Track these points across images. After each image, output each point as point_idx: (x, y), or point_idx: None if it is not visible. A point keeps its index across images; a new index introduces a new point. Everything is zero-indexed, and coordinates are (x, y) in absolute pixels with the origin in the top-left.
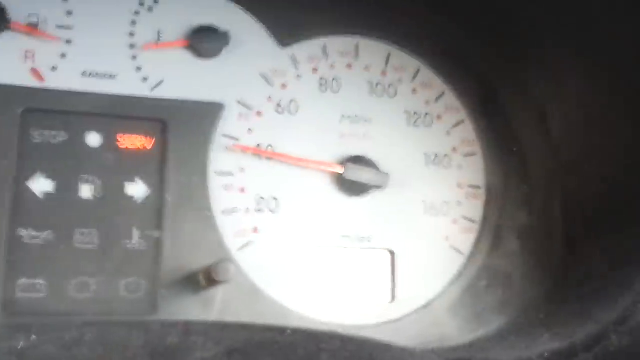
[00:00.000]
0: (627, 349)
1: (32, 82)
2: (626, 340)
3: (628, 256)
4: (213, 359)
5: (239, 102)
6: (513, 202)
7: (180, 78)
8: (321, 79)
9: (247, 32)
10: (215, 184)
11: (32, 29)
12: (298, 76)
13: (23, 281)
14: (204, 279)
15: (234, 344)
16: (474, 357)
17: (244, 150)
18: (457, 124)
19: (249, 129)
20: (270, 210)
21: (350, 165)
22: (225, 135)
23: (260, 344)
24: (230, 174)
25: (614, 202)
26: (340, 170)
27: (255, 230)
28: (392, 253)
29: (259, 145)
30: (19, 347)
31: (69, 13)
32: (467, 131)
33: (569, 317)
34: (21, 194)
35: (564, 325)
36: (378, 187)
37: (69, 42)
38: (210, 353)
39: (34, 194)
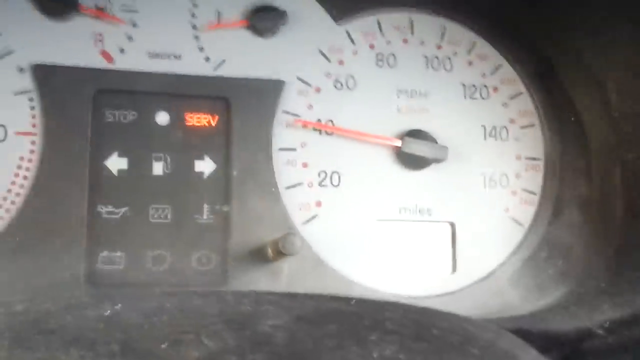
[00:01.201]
0: None
1: (102, 63)
2: None
3: None
4: (283, 326)
5: (298, 79)
6: (572, 173)
7: (241, 57)
8: (378, 54)
9: (304, 9)
10: (279, 160)
11: (100, 12)
12: (355, 52)
13: (104, 254)
14: (271, 252)
15: (302, 312)
16: (533, 327)
17: (305, 125)
18: (514, 96)
19: (309, 105)
20: (333, 184)
21: (408, 139)
22: (286, 112)
23: (327, 313)
24: (292, 149)
25: None
26: (398, 143)
27: (319, 204)
28: (452, 225)
29: (319, 120)
30: (105, 315)
31: None
32: (525, 103)
33: (629, 287)
34: (98, 172)
35: (624, 295)
36: (437, 160)
37: (134, 24)
38: (280, 321)
39: (109, 172)
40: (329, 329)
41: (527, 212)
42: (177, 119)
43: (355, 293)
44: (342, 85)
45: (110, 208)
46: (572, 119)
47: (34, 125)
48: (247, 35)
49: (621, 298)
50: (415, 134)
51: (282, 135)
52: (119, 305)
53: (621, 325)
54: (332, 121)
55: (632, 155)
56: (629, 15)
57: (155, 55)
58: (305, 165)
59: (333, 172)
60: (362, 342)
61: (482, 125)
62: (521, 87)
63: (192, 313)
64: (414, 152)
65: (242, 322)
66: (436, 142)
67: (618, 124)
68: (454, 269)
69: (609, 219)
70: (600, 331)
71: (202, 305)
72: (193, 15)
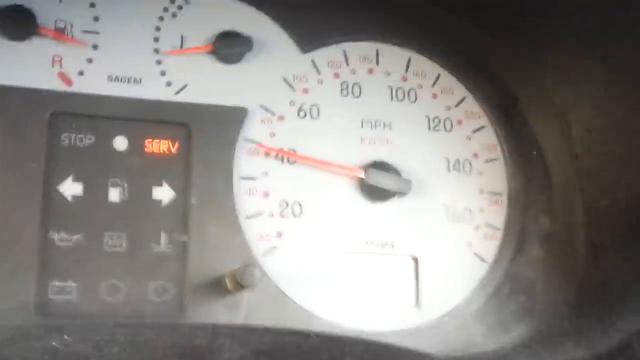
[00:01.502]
0: None
1: (59, 86)
2: None
3: None
4: None
5: (261, 107)
6: (535, 208)
7: (203, 83)
8: (342, 83)
9: (269, 37)
10: (240, 188)
11: (60, 34)
12: (319, 81)
13: (55, 283)
14: (230, 283)
15: (259, 346)
16: None
17: (268, 152)
18: (478, 129)
19: (272, 133)
20: (294, 215)
21: (371, 170)
22: (248, 140)
23: (285, 347)
24: (253, 178)
25: (636, 210)
26: (361, 174)
27: (280, 235)
28: (415, 259)
29: (281, 148)
30: (51, 346)
31: (96, 19)
32: (488, 136)
33: (592, 326)
34: (51, 197)
35: (587, 334)
36: (400, 193)
37: (95, 47)
38: (236, 355)
39: (63, 197)
40: None
41: (490, 247)
42: (136, 145)
43: (317, 327)
44: (305, 114)
45: (63, 235)
46: (535, 153)
47: None
48: (210, 61)
49: (584, 337)
50: (379, 165)
51: (243, 163)
52: (68, 336)
53: None
54: (294, 150)
55: (594, 192)
56: (597, 52)
57: (115, 79)
58: (266, 194)
59: (294, 203)
60: None
61: (446, 158)
62: (485, 121)
63: (145, 346)
64: (377, 184)
65: (196, 356)
66: (399, 175)
67: (581, 161)
68: (417, 303)
69: (572, 256)
70: None
71: (155, 338)
72: (156, 39)
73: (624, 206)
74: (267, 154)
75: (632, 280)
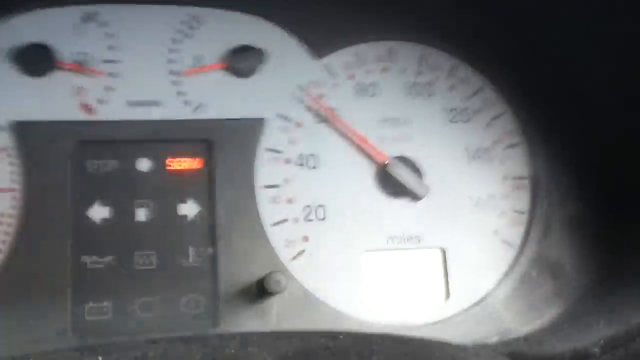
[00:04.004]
0: None
1: (81, 116)
2: None
3: None
4: None
5: (278, 116)
6: (560, 191)
7: (220, 98)
8: (357, 84)
9: (282, 47)
10: (263, 197)
11: (78, 66)
12: (335, 85)
13: (90, 305)
14: (258, 291)
15: (287, 351)
16: (529, 350)
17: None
18: (497, 117)
19: (291, 140)
20: (319, 218)
21: (396, 161)
22: (268, 149)
23: (313, 350)
24: (276, 186)
25: None
26: (386, 161)
27: (306, 239)
28: (443, 251)
29: (301, 154)
30: None
31: (111, 48)
32: (508, 123)
33: (623, 303)
34: (81, 223)
35: (618, 311)
36: (415, 195)
37: (113, 75)
38: None
39: (92, 222)
40: None
41: (517, 233)
42: (158, 164)
43: (348, 326)
44: (323, 118)
45: (94, 258)
46: (555, 135)
47: (13, 181)
48: (225, 77)
49: (615, 315)
50: (403, 160)
51: (265, 172)
52: (101, 357)
53: (617, 342)
54: (314, 155)
55: (618, 169)
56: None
57: (134, 104)
58: (290, 201)
59: (318, 206)
60: None
61: (466, 149)
62: (503, 107)
63: (176, 358)
64: (397, 176)
65: None
66: (421, 177)
67: (601, 138)
68: (448, 295)
69: (600, 235)
70: (595, 350)
71: (185, 350)
72: (171, 61)
73: None
74: (287, 162)
75: None
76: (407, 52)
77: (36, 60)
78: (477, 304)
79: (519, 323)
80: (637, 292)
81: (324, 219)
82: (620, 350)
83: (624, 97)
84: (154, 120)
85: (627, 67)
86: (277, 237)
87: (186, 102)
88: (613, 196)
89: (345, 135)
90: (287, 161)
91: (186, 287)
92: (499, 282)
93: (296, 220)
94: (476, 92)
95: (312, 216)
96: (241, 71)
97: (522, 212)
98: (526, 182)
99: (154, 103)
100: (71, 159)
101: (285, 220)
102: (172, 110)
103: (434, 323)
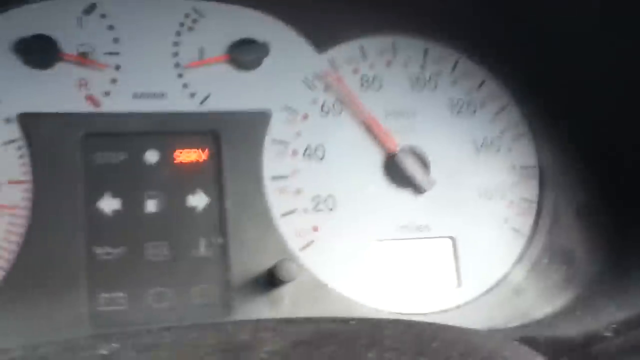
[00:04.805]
0: None
1: (88, 108)
2: None
3: None
4: (279, 352)
5: (284, 108)
6: (568, 178)
7: (226, 90)
8: (362, 78)
9: (285, 41)
10: (271, 188)
11: (83, 58)
12: (339, 78)
13: (105, 296)
14: (269, 280)
15: (299, 336)
16: (541, 334)
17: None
18: (503, 108)
19: (298, 132)
20: (329, 208)
21: (406, 150)
22: (275, 141)
23: (325, 335)
24: (284, 177)
25: None
26: (396, 148)
27: (316, 229)
28: (453, 239)
29: (308, 146)
30: (102, 354)
31: (116, 40)
32: (513, 114)
33: (634, 286)
34: (92, 214)
35: (630, 294)
36: (419, 188)
37: (118, 67)
38: (277, 346)
39: (104, 213)
40: (326, 351)
41: (526, 221)
42: (166, 156)
43: (359, 314)
44: (328, 111)
45: (107, 249)
46: (561, 125)
47: (25, 173)
48: (230, 69)
49: (627, 298)
50: (413, 149)
51: (273, 163)
52: (116, 344)
53: (629, 325)
54: (322, 146)
55: (626, 157)
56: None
57: (140, 96)
58: (298, 191)
59: (327, 196)
60: None
61: (473, 139)
62: (508, 99)
63: (189, 346)
64: (404, 168)
65: (238, 351)
66: (428, 171)
67: (605, 126)
68: (459, 283)
69: (609, 222)
70: (608, 333)
71: (199, 338)
72: (175, 54)
73: None
74: (294, 153)
75: None
76: (410, 46)
77: (39, 51)
78: (488, 291)
79: (531, 309)
80: None
81: (333, 209)
82: (633, 333)
83: (629, 83)
84: (160, 112)
85: (631, 55)
86: (286, 227)
87: (192, 95)
88: (621, 183)
89: (359, 121)
90: (295, 152)
91: (198, 277)
92: (511, 269)
93: (305, 210)
94: (480, 85)
95: (322, 206)
96: (245, 64)
97: (531, 201)
98: (534, 171)
99: (160, 95)
100: (80, 151)
101: (294, 211)
102: (178, 102)
103: (446, 310)
